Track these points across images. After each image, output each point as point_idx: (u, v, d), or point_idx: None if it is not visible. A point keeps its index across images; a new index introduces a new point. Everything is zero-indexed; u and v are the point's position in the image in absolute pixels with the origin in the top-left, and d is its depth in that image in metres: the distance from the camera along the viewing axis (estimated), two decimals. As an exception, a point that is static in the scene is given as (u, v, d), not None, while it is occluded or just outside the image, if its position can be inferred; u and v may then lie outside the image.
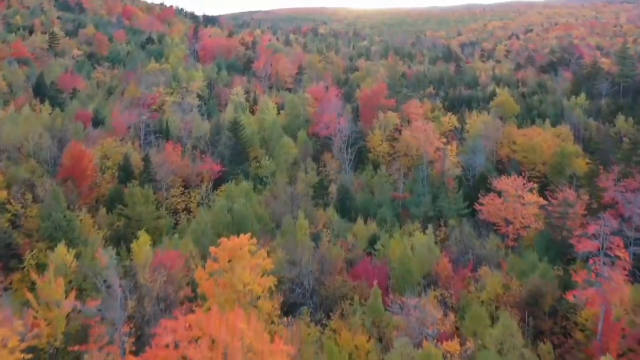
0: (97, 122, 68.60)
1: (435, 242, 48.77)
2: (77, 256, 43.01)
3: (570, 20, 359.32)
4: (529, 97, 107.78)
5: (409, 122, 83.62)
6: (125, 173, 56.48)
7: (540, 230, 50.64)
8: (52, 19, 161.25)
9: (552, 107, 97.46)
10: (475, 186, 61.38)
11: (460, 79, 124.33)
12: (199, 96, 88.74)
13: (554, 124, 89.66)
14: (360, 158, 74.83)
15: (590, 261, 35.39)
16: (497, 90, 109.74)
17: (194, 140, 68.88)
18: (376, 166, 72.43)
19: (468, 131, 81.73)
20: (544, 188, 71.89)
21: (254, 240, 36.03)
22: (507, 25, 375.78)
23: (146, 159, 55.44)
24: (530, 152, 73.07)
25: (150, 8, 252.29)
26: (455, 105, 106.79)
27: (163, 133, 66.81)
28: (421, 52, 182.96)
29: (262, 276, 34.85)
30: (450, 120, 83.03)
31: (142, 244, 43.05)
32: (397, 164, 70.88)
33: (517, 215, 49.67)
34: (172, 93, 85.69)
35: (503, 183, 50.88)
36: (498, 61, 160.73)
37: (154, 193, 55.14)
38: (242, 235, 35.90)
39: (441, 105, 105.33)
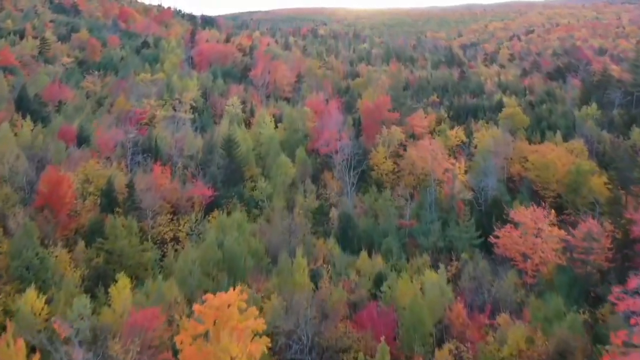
0: (82, 139, 63.51)
1: (448, 281, 43.89)
2: (49, 301, 38.33)
3: (571, 21, 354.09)
4: (537, 106, 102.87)
5: (413, 136, 78.87)
6: (109, 199, 51.53)
7: (562, 266, 45.74)
8: (45, 22, 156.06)
9: (562, 118, 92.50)
10: (487, 212, 56.47)
11: (465, 86, 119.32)
12: (192, 108, 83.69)
13: (565, 137, 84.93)
14: (363, 176, 70.15)
15: (632, 321, 30.40)
16: (504, 99, 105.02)
17: (186, 159, 63.95)
18: (379, 185, 67.70)
19: (476, 146, 76.95)
20: (560, 209, 67.31)
21: (244, 295, 31.18)
22: (508, 26, 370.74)
23: (130, 186, 50.39)
24: (544, 170, 68.22)
25: (147, 9, 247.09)
26: (461, 115, 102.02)
27: (152, 152, 61.80)
28: (423, 56, 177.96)
29: (253, 339, 30.04)
30: (457, 134, 78.08)
31: (121, 288, 38.27)
32: (402, 186, 66.26)
33: (536, 250, 44.75)
34: (164, 105, 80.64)
35: (521, 215, 45.91)
36: (502, 66, 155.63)
37: (139, 222, 50.24)
38: (230, 290, 31.14)
39: (446, 115, 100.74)
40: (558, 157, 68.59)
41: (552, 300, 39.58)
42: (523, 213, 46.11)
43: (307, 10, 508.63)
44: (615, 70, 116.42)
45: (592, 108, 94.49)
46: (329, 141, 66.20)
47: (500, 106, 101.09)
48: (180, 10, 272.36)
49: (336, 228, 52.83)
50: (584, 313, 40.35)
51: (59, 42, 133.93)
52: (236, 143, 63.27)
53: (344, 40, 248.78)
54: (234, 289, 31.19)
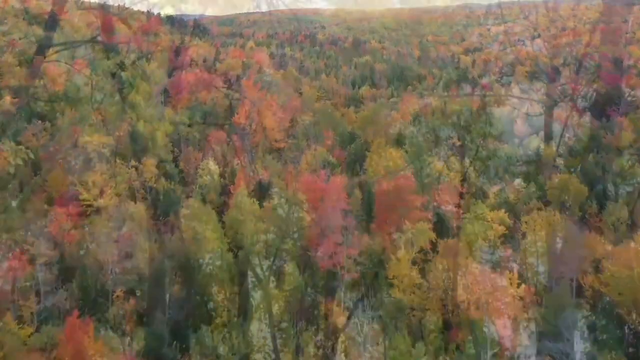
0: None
1: None
2: None
3: (577, 25, 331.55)
4: (581, 155, 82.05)
5: (440, 217, 58.17)
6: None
7: None
8: (10, 40, 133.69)
9: (621, 178, 71.58)
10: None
11: (489, 122, 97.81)
12: (155, 176, 62.60)
13: (630, 207, 64.76)
14: (378, 279, 49.86)
15: None
16: (541, 146, 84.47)
17: (128, 283, 43.03)
18: (401, 309, 47.01)
19: (524, 234, 56.42)
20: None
21: None
22: (512, 29, 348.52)
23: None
24: (628, 286, 47.53)
25: (135, 15, 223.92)
26: (490, 168, 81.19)
27: (75, 284, 40.74)
28: (432, 75, 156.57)
29: None
30: (500, 218, 57.00)
31: None
32: (433, 309, 45.70)
33: None
34: (115, 177, 59.52)
35: None
36: (523, 90, 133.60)
37: None
38: None
39: (472, 168, 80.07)
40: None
41: None
42: None
43: (306, 11, 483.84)
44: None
45: (656, 164, 73.75)
46: (332, 252, 45.30)
47: (537, 157, 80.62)
48: (171, 16, 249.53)
49: None
50: None
51: (19, 67, 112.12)
52: (198, 263, 42.38)
53: (342, 49, 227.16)
54: None
